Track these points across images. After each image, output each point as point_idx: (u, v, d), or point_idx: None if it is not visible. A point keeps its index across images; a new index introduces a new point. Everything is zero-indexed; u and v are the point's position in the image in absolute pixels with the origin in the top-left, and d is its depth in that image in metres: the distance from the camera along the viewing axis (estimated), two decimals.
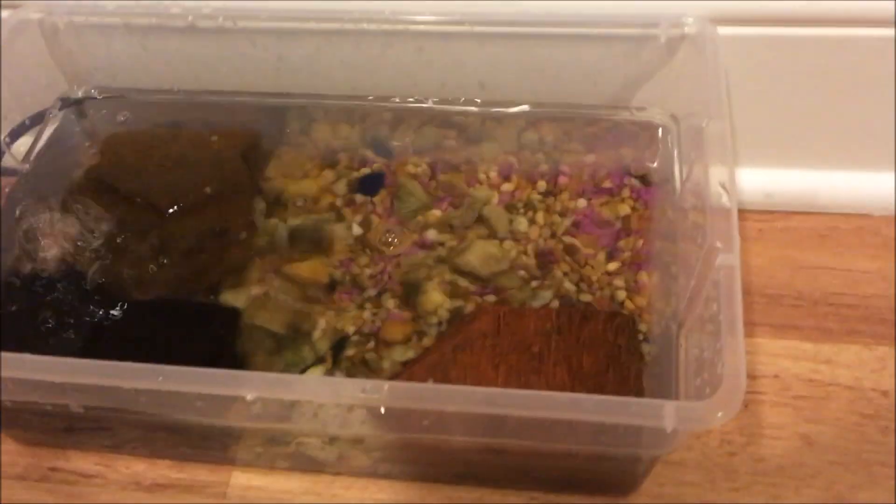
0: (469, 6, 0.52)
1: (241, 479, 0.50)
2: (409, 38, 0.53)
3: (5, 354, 0.39)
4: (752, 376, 0.51)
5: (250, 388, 0.38)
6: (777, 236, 0.58)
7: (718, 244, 0.39)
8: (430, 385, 0.39)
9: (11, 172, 0.55)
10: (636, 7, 0.51)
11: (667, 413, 0.35)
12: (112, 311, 0.49)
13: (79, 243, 0.51)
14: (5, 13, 0.54)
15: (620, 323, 0.47)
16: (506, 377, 0.45)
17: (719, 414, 0.35)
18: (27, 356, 0.39)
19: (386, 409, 0.39)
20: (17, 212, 0.51)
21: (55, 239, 0.50)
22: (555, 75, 0.54)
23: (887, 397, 0.50)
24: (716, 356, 0.37)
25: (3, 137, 0.54)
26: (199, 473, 0.50)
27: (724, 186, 0.41)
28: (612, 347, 0.46)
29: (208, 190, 0.53)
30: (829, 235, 0.58)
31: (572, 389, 0.44)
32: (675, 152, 0.51)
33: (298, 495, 0.49)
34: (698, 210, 0.44)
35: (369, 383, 0.38)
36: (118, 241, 0.51)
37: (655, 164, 0.54)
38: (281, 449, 0.48)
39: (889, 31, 0.49)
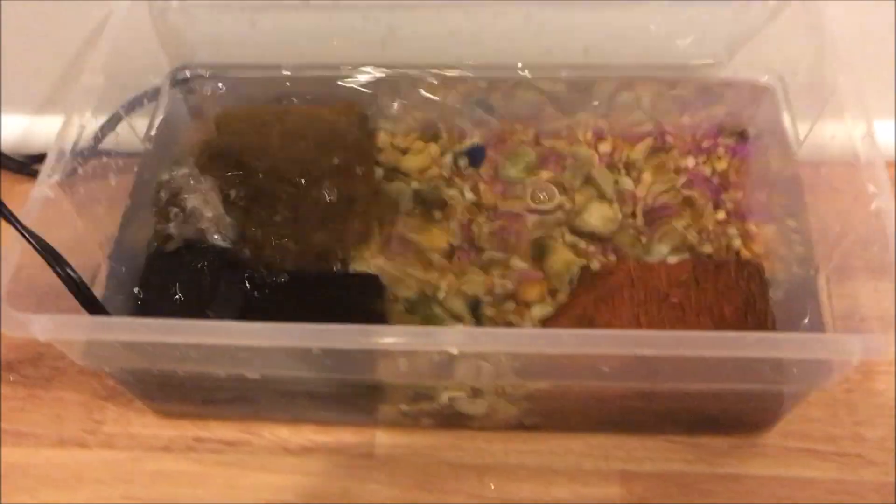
0: None
1: (386, 439, 0.52)
2: (518, 7, 0.55)
3: (200, 322, 0.40)
4: (861, 318, 0.54)
5: (450, 342, 0.40)
6: None
7: (872, 189, 0.42)
8: (610, 331, 0.41)
9: (122, 152, 0.55)
10: None
11: (851, 347, 0.37)
12: (256, 282, 0.50)
13: (215, 217, 0.52)
14: None
15: (751, 271, 0.50)
16: (648, 327, 0.48)
17: None
18: (227, 322, 0.40)
19: (547, 356, 0.42)
20: (155, 188, 0.52)
21: (194, 213, 0.51)
22: (657, 37, 0.56)
23: None
24: (879, 296, 0.40)
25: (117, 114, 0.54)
26: (344, 436, 0.52)
27: (867, 136, 0.43)
28: (746, 295, 0.49)
29: (335, 161, 0.54)
30: None
31: None
32: (785, 108, 0.54)
33: (443, 451, 0.51)
34: (829, 162, 0.47)
35: (536, 331, 0.39)
36: (254, 213, 0.52)
37: (757, 120, 0.56)
38: (427, 405, 0.50)
39: None
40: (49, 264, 0.43)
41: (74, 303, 0.45)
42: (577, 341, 0.39)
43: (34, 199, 0.45)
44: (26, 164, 0.64)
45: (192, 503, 0.50)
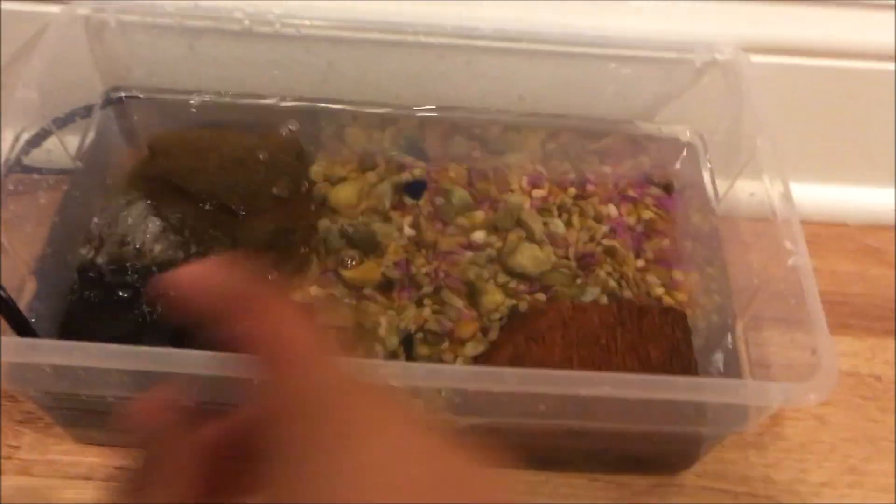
0: (522, 23, 0.55)
1: None
2: (461, 52, 0.56)
3: (137, 348, 0.40)
4: (767, 365, 0.57)
5: (391, 375, 0.40)
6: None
7: (789, 245, 0.45)
8: (543, 371, 0.42)
9: (53, 170, 0.54)
10: (670, 32, 0.56)
11: (773, 394, 0.40)
12: None
13: (146, 243, 0.51)
14: (55, 8, 0.54)
15: (675, 317, 0.52)
16: (580, 367, 0.50)
17: (813, 395, 0.40)
18: (165, 349, 0.40)
19: (475, 394, 0.43)
20: (85, 209, 0.51)
21: (124, 237, 0.50)
22: (590, 90, 0.59)
23: (881, 381, 0.58)
24: (794, 347, 0.43)
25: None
26: None
27: (784, 197, 0.47)
28: (671, 340, 0.51)
29: (275, 191, 0.54)
30: (813, 241, 0.65)
31: None
32: (705, 164, 0.57)
33: None
34: (746, 217, 0.50)
35: (465, 368, 0.40)
36: (188, 240, 0.52)
37: (680, 174, 0.59)
38: None
39: (888, 65, 0.56)
40: None
41: None
42: (518, 380, 0.40)
43: None
44: None
45: None
